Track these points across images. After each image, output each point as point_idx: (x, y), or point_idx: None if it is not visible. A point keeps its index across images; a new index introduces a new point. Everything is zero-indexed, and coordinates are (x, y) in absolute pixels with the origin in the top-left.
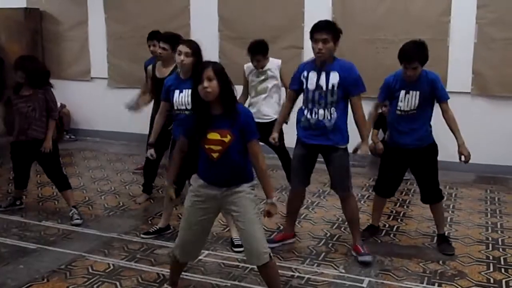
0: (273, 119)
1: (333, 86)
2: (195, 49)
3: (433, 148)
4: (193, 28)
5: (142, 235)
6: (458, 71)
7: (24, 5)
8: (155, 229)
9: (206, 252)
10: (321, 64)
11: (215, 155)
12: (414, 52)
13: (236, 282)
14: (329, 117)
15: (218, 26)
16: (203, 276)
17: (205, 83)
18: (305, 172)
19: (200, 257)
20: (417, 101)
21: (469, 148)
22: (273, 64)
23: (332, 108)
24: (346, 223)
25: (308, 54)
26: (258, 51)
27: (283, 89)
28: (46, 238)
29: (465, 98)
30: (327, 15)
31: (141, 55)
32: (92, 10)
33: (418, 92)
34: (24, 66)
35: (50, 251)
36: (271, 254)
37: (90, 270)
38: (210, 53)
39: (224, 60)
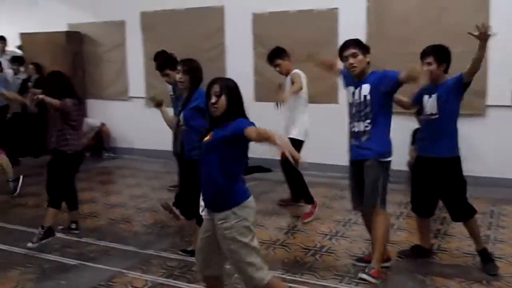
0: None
1: (365, 97)
2: (190, 67)
3: (456, 161)
4: (228, 47)
5: (179, 252)
6: (497, 84)
7: (66, 29)
8: (194, 247)
9: None
10: (357, 78)
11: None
12: (429, 48)
13: None
14: (363, 129)
15: (252, 44)
16: None
17: (213, 99)
18: (359, 189)
19: (236, 275)
20: (435, 104)
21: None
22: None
23: (368, 120)
24: None
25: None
26: (272, 56)
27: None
28: (86, 254)
29: (505, 111)
30: (361, 30)
31: None
32: (129, 32)
33: (436, 94)
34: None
35: (90, 267)
36: (266, 281)
37: (129, 287)
38: (245, 70)
39: (258, 77)
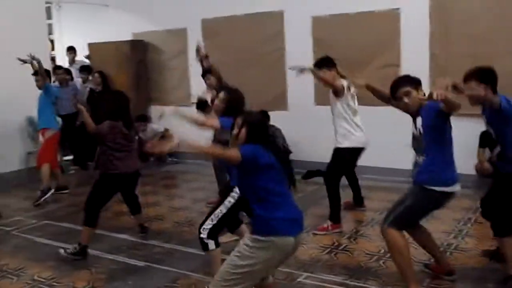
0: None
1: (419, 131)
2: (228, 97)
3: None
4: (288, 51)
5: None
6: None
7: (131, 38)
8: None
9: (305, 274)
10: (415, 112)
11: None
12: (469, 72)
13: None
14: (420, 160)
15: (312, 48)
16: None
17: (235, 130)
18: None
19: (299, 279)
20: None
21: None
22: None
23: (424, 153)
24: (450, 247)
25: (405, 71)
26: (319, 65)
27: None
28: (153, 256)
29: None
30: (424, 30)
31: (239, 79)
32: (191, 39)
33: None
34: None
35: (156, 269)
36: None
37: None
38: (305, 75)
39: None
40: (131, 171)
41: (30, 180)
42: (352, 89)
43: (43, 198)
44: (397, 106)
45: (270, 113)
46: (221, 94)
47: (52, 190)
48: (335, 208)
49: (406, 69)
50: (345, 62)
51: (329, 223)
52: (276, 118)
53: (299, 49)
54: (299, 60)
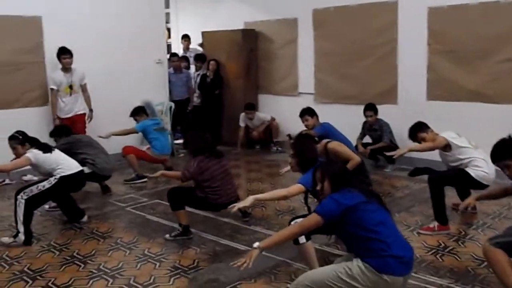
0: None
1: None
2: (297, 150)
3: None
4: (400, 42)
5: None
6: None
7: (242, 27)
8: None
9: None
10: None
11: None
12: None
13: None
14: None
15: (427, 39)
16: None
17: (318, 186)
18: None
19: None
20: None
21: None
22: None
23: None
24: None
25: None
26: (413, 132)
27: None
28: (254, 241)
29: None
30: None
31: (348, 71)
32: (302, 29)
33: None
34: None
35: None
36: None
37: (293, 277)
38: (417, 67)
39: (432, 75)
40: (230, 201)
41: (144, 162)
42: (453, 133)
43: (135, 181)
44: None
45: (378, 106)
46: (291, 151)
47: (146, 179)
48: (439, 208)
49: None
50: (462, 55)
51: (436, 224)
52: (384, 112)
53: (413, 41)
54: (411, 52)
